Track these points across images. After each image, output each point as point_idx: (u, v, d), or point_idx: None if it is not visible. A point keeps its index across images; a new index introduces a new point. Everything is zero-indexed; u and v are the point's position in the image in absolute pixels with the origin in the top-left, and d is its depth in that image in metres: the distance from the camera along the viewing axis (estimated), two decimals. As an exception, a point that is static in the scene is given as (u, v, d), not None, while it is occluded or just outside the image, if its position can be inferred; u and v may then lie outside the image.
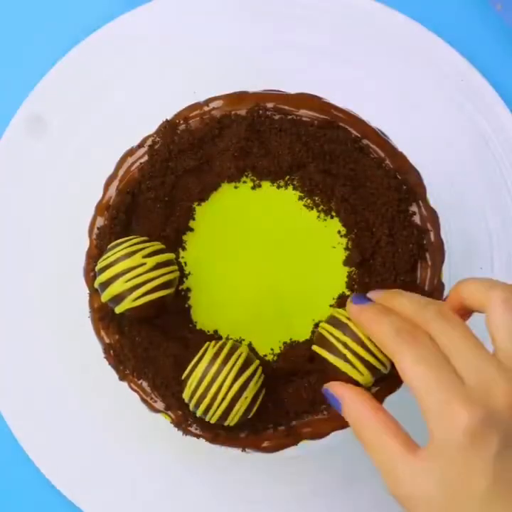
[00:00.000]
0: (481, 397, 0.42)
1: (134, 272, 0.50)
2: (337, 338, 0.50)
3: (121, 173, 0.54)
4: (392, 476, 0.44)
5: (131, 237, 0.52)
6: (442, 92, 0.63)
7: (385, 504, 0.61)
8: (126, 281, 0.50)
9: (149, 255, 0.51)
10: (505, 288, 0.45)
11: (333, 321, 0.51)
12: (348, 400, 0.47)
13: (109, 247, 0.52)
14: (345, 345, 0.50)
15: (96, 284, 0.51)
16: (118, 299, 0.50)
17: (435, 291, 0.55)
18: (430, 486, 0.43)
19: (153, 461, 0.61)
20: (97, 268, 0.51)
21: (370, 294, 0.50)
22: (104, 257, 0.51)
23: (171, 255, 0.52)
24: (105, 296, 0.51)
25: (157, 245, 0.52)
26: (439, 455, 0.43)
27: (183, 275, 0.55)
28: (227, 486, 0.61)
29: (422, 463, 0.43)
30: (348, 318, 0.51)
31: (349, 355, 0.50)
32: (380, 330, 0.47)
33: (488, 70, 0.64)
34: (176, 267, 0.52)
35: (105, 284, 0.51)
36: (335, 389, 0.49)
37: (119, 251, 0.51)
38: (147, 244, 0.51)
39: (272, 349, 0.54)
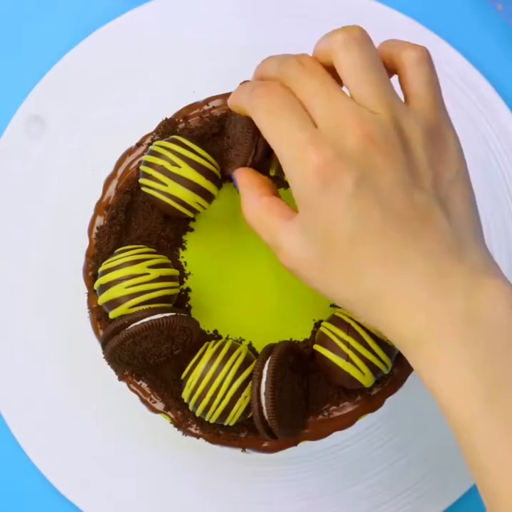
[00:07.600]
0: (332, 139, 0.40)
1: (136, 279, 0.50)
2: (339, 338, 0.50)
3: (120, 172, 0.54)
4: (278, 248, 0.43)
5: (140, 245, 0.52)
6: (442, 91, 0.63)
7: (385, 504, 0.61)
8: (127, 287, 0.50)
9: (154, 267, 0.50)
10: (344, 30, 0.42)
11: (336, 321, 0.51)
12: (239, 180, 0.47)
13: (116, 251, 0.52)
14: (347, 344, 0.50)
15: (96, 286, 0.51)
16: (114, 303, 0.50)
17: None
18: (303, 243, 0.42)
19: (153, 461, 0.61)
20: (100, 269, 0.51)
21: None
22: (110, 260, 0.51)
23: (175, 271, 0.52)
24: (102, 299, 0.51)
25: (163, 259, 0.51)
26: (303, 208, 0.41)
27: (183, 275, 0.55)
28: (227, 486, 0.61)
29: (295, 224, 0.42)
30: (351, 318, 0.51)
31: (351, 355, 0.49)
32: (239, 97, 0.45)
33: (488, 70, 0.64)
34: (177, 284, 0.52)
35: (105, 287, 0.50)
36: (235, 173, 0.48)
37: (125, 256, 0.50)
38: (154, 255, 0.51)
39: (271, 349, 0.54)
